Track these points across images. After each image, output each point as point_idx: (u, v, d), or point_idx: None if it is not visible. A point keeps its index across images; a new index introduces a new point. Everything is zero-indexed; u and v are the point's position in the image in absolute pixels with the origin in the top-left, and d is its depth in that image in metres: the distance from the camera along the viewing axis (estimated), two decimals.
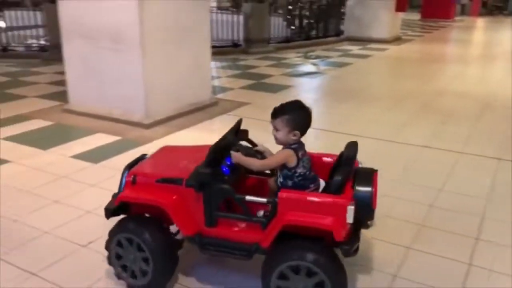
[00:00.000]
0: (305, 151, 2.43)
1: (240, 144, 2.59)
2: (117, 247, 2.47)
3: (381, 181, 3.83)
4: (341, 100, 6.69)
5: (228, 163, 2.43)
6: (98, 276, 2.64)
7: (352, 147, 2.46)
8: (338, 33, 13.58)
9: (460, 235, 3.13)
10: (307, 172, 2.39)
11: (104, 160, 4.31)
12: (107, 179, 3.90)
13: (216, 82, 7.57)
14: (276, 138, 2.39)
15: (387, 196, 3.61)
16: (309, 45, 12.09)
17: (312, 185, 2.41)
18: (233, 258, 2.39)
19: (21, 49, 10.39)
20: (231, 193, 2.31)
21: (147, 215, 2.53)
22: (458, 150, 4.72)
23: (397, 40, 13.55)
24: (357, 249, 2.29)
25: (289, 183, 2.37)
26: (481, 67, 10.10)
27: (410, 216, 3.35)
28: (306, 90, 7.49)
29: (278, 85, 7.60)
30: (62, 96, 6.36)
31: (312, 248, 2.16)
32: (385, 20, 13.08)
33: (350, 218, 2.14)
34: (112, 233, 2.48)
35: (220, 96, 6.71)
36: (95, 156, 4.43)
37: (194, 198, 2.33)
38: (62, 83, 7.21)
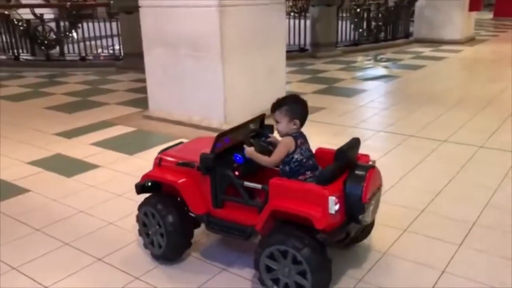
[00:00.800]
0: (305, 140, 2.58)
1: (256, 139, 2.71)
2: (143, 217, 2.80)
3: (483, 189, 3.68)
4: (421, 104, 6.41)
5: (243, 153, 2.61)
6: None
7: (354, 143, 2.53)
8: (407, 35, 13.15)
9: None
10: (304, 160, 2.51)
11: None
12: None
13: (287, 87, 7.50)
14: (278, 131, 2.59)
15: (499, 208, 3.39)
16: (377, 47, 11.78)
17: (308, 172, 2.51)
18: (233, 238, 2.63)
19: (98, 58, 10.88)
20: (231, 178, 2.55)
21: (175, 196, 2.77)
22: None
23: (471, 40, 12.90)
24: (348, 243, 2.52)
25: (287, 168, 2.52)
26: None
27: None
28: (382, 94, 7.25)
29: (351, 89, 7.43)
30: (141, 103, 6.55)
31: (300, 237, 2.27)
32: (457, 20, 12.49)
33: (332, 209, 2.23)
34: (140, 206, 2.83)
35: None
36: None
37: (204, 180, 2.59)
38: (140, 90, 7.48)
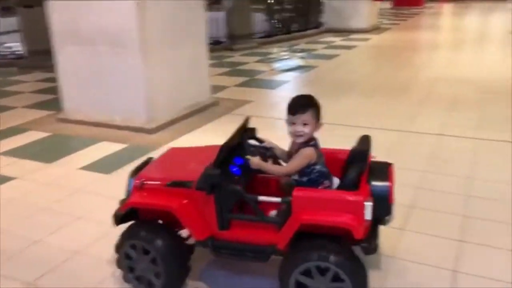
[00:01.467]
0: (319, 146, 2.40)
1: (255, 147, 2.49)
2: (130, 250, 2.39)
3: (408, 172, 3.86)
4: (342, 93, 6.61)
5: (238, 163, 2.34)
6: None
7: (365, 141, 2.41)
8: (319, 25, 13.54)
9: (499, 222, 3.08)
10: (324, 169, 2.35)
11: (116, 170, 4.08)
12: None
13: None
14: (302, 135, 2.29)
15: (420, 188, 3.55)
16: (291, 38, 12.00)
17: (326, 181, 2.35)
18: (249, 261, 2.34)
19: None
20: (242, 194, 2.22)
21: (159, 221, 2.45)
22: (474, 136, 4.71)
23: (376, 29, 13.60)
24: (376, 246, 2.24)
25: (305, 179, 2.32)
26: (466, 51, 10.22)
27: (448, 207, 3.28)
28: (304, 84, 7.38)
29: (274, 81, 7.46)
30: (52, 105, 6.06)
31: (332, 248, 2.09)
32: (363, 10, 13.11)
33: (368, 215, 2.07)
34: (121, 238, 2.41)
35: (217, 95, 6.52)
36: (106, 166, 4.20)
37: (205, 201, 2.25)
38: (49, 91, 6.92)
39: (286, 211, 2.16)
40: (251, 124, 2.62)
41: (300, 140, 2.31)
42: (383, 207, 2.21)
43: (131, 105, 5.16)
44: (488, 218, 3.13)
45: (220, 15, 10.95)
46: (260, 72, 8.12)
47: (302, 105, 2.30)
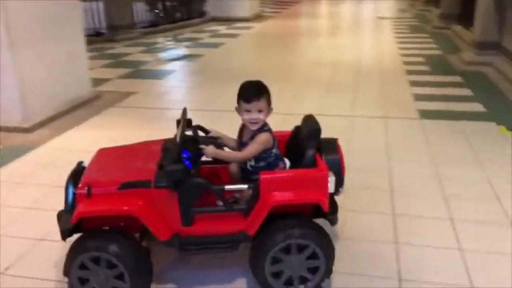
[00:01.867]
0: None
1: (204, 137, 2.45)
2: (79, 271, 2.15)
3: None
4: (229, 80, 6.69)
5: (186, 156, 2.27)
6: None
7: (311, 119, 2.47)
8: (202, 14, 13.51)
9: (377, 189, 3.40)
10: (278, 151, 2.43)
11: None
12: (9, 195, 3.42)
13: (90, 74, 7.01)
14: (257, 122, 2.32)
15: None
16: (175, 28, 11.82)
17: (281, 163, 2.44)
18: (217, 252, 2.34)
19: None
20: (208, 186, 2.19)
21: (105, 228, 2.28)
22: (350, 114, 5.10)
23: (258, 17, 13.94)
24: (337, 218, 2.41)
25: (262, 164, 2.36)
26: (341, 36, 10.91)
27: None
28: (191, 73, 7.35)
29: (160, 71, 7.33)
30: None
31: (299, 224, 2.18)
32: None
33: (331, 188, 2.21)
34: (72, 255, 2.15)
35: (99, 88, 6.24)
36: None
37: (166, 198, 2.15)
38: None
39: (253, 196, 2.18)
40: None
41: (255, 127, 2.34)
42: (338, 179, 2.31)
43: (4, 104, 4.75)
44: (367, 187, 3.43)
45: (99, 5, 10.42)
46: (145, 63, 7.92)
47: (257, 93, 2.30)
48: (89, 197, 2.15)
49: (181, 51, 9.01)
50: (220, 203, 2.28)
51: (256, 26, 12.42)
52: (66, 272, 2.18)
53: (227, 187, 2.25)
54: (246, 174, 2.41)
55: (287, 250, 2.18)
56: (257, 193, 2.18)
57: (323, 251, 2.20)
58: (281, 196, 2.15)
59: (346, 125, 4.76)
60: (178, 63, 8.01)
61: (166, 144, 2.27)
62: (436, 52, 8.47)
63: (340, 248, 2.63)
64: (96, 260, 2.13)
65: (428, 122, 4.79)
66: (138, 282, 2.17)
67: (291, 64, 7.69)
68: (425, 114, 5.02)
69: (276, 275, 2.22)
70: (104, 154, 2.56)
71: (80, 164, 2.49)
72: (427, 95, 5.76)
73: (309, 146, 2.28)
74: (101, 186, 2.19)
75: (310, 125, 2.42)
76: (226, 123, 4.80)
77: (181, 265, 2.60)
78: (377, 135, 4.49)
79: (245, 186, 2.24)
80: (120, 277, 2.15)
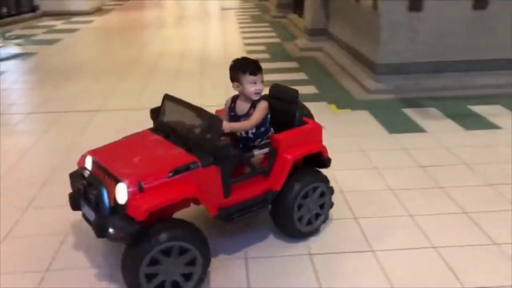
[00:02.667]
0: None
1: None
2: (148, 268, 2.10)
3: None
4: (66, 78, 6.28)
5: None
6: None
7: (281, 87, 2.79)
8: (34, 8, 12.37)
9: None
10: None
11: None
12: None
13: None
14: (260, 92, 2.56)
15: None
16: (2, 24, 10.66)
17: (271, 128, 2.66)
18: (253, 215, 2.51)
19: None
20: (242, 155, 2.47)
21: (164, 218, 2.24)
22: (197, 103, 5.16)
23: (99, 11, 13.26)
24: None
25: (262, 129, 2.59)
26: (187, 27, 10.90)
27: None
28: (24, 73, 6.71)
29: None
30: None
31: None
32: None
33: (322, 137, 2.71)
34: (137, 256, 2.08)
35: None
36: None
37: (212, 175, 2.27)
38: None
39: (272, 157, 2.49)
40: None
41: (258, 97, 2.57)
42: None
43: None
44: None
45: None
46: None
47: (258, 66, 2.56)
48: (141, 192, 2.10)
49: (11, 49, 8.17)
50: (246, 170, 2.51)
51: (97, 19, 11.81)
52: (132, 278, 2.10)
53: (256, 152, 2.46)
54: (246, 141, 2.61)
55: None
56: (275, 153, 2.49)
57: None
58: (296, 151, 2.52)
59: None
60: (8, 63, 7.25)
61: (218, 118, 2.33)
62: (275, 40, 8.98)
63: None
64: (166, 252, 2.11)
65: None
66: (208, 261, 2.25)
67: (135, 57, 7.49)
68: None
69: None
70: (103, 154, 2.43)
71: (81, 170, 2.41)
72: (269, 81, 6.03)
73: (294, 108, 2.64)
74: (149, 178, 2.14)
75: (284, 91, 2.74)
76: (64, 125, 4.55)
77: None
78: None
79: (267, 149, 2.49)
80: (190, 262, 2.19)
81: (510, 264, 2.43)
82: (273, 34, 9.59)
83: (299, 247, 2.62)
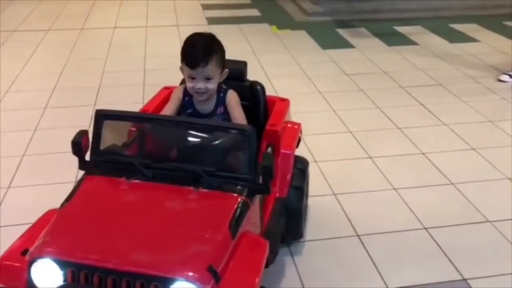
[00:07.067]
0: None
1: None
2: None
3: (93, 62, 4.26)
4: None
5: None
6: None
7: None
8: None
9: None
10: None
11: None
12: None
13: None
14: (204, 92, 1.78)
15: (109, 72, 4.06)
16: None
17: None
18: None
19: None
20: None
21: None
22: (144, 25, 5.41)
23: None
24: None
25: None
26: None
27: (133, 80, 3.91)
28: None
29: None
30: None
31: None
32: None
33: None
34: None
35: None
36: None
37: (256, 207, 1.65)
38: None
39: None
40: None
41: (202, 98, 1.81)
42: None
43: None
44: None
45: None
46: None
47: (204, 56, 1.72)
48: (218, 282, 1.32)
49: None
50: None
51: None
52: None
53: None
54: None
55: None
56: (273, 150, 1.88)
57: None
58: (290, 139, 2.02)
59: (142, 34, 5.08)
60: None
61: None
62: None
63: None
64: None
65: (215, 26, 5.38)
66: None
67: None
68: (213, 21, 5.62)
69: None
70: (75, 246, 1.37)
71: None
72: (213, 5, 6.36)
73: (254, 85, 2.07)
74: (213, 253, 1.35)
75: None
76: (11, 43, 4.70)
77: None
78: (172, 41, 4.93)
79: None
80: None
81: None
82: None
83: None
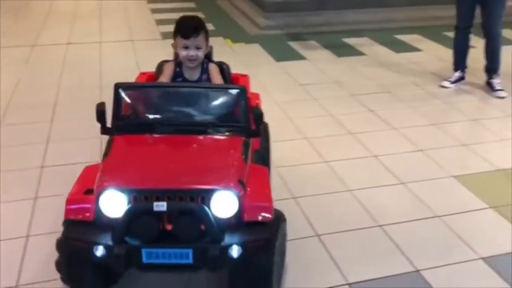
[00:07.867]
0: None
1: None
2: None
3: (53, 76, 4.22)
4: None
5: None
6: None
7: None
8: None
9: None
10: None
11: None
12: None
13: None
14: (195, 59, 2.22)
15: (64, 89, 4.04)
16: None
17: None
18: None
19: None
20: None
21: None
22: (98, 40, 5.40)
23: None
24: None
25: None
26: None
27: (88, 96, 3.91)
28: None
29: None
30: None
31: None
32: None
33: None
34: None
35: None
36: None
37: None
38: None
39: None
40: None
41: (193, 64, 2.25)
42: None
43: None
44: None
45: None
46: None
47: (195, 28, 2.18)
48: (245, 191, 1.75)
49: None
50: None
51: None
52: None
53: None
54: None
55: None
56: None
57: None
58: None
59: (96, 50, 5.07)
60: None
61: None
62: None
63: None
64: None
65: (170, 41, 5.38)
66: None
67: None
68: (167, 35, 5.66)
69: None
70: (136, 177, 1.73)
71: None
72: (167, 20, 6.41)
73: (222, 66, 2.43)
74: (237, 171, 1.78)
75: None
76: None
77: None
78: (126, 55, 4.95)
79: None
80: None
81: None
82: None
83: None
